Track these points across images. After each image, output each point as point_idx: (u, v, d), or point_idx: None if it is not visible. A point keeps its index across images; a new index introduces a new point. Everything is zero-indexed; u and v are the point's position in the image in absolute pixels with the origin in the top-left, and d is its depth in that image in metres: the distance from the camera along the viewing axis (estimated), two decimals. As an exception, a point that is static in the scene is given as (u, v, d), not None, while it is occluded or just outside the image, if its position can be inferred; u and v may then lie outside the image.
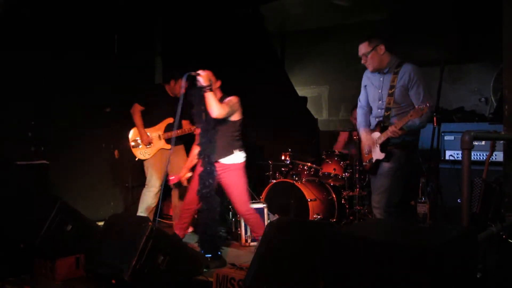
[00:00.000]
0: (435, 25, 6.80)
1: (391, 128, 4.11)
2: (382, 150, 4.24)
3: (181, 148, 6.03)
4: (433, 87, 4.23)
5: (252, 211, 4.83)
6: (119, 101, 6.19)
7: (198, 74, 4.46)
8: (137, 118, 5.84)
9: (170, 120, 5.84)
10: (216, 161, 4.62)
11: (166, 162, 5.92)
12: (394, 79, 4.24)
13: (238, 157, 4.68)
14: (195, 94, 4.56)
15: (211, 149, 4.54)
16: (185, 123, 5.90)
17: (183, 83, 5.75)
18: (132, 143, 5.87)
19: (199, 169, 4.65)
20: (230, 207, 5.68)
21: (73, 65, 6.04)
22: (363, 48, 4.32)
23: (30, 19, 5.62)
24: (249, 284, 3.22)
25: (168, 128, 5.84)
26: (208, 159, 4.54)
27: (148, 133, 5.83)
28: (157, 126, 5.88)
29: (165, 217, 6.57)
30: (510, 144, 3.81)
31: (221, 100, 4.58)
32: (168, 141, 5.85)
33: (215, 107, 4.41)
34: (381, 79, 4.36)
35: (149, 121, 5.88)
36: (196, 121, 4.61)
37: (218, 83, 4.64)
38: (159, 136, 5.85)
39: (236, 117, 4.62)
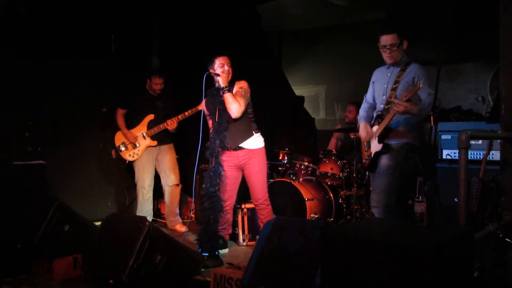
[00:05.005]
0: (433, 25, 6.80)
1: (395, 101, 4.02)
2: (379, 141, 4.25)
3: (169, 147, 6.05)
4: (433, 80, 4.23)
5: (268, 202, 4.83)
6: (116, 101, 6.18)
7: (218, 75, 4.50)
8: (120, 121, 5.99)
9: (151, 116, 5.92)
10: (241, 148, 4.65)
11: (154, 160, 5.97)
12: (401, 75, 4.26)
13: (259, 141, 4.73)
14: (212, 93, 4.60)
15: (222, 146, 4.58)
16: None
17: (158, 79, 5.85)
18: (119, 147, 5.93)
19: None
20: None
21: (70, 64, 6.03)
22: (391, 39, 4.25)
23: (26, 18, 5.61)
24: (247, 284, 3.23)
25: (151, 125, 5.88)
26: (216, 159, 4.55)
27: (131, 133, 5.95)
28: (139, 126, 5.94)
29: (163, 216, 6.57)
30: (507, 143, 3.81)
31: (231, 82, 4.63)
32: (153, 137, 5.89)
33: (235, 107, 4.47)
34: (389, 74, 4.38)
35: (131, 122, 5.96)
36: (211, 121, 4.64)
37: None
38: (143, 135, 5.88)
39: (249, 99, 4.67)
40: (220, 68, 4.58)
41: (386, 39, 4.27)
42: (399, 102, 3.98)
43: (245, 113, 4.60)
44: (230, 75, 4.64)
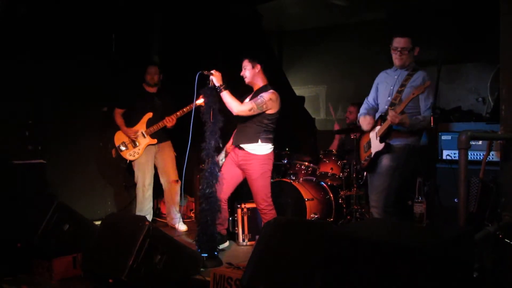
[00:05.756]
0: (433, 25, 6.80)
1: (390, 113, 4.12)
2: (381, 141, 4.28)
3: (167, 144, 6.04)
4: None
5: (272, 207, 4.83)
6: (114, 101, 6.17)
7: (211, 74, 4.49)
8: (118, 120, 5.96)
9: (149, 115, 5.91)
10: (241, 148, 4.69)
11: (153, 158, 5.96)
12: (408, 79, 4.31)
13: (263, 148, 4.72)
14: (206, 93, 4.59)
15: (215, 149, 4.59)
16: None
17: (151, 69, 5.83)
18: (119, 147, 5.91)
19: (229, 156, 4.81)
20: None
21: (70, 64, 6.03)
22: (404, 43, 4.33)
23: (27, 17, 5.61)
24: (246, 284, 3.22)
25: (150, 123, 5.88)
26: (212, 160, 4.55)
27: (132, 129, 5.92)
28: (138, 124, 5.92)
29: (162, 216, 6.58)
30: (507, 144, 3.81)
31: (263, 89, 4.69)
32: (153, 135, 5.88)
33: (234, 105, 4.52)
34: (395, 76, 4.43)
35: (130, 121, 5.93)
36: (205, 121, 4.62)
37: (258, 67, 4.78)
38: (143, 133, 5.87)
39: (270, 111, 4.67)
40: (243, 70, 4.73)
41: (399, 41, 4.34)
42: (394, 115, 4.07)
43: (257, 120, 4.65)
44: (251, 78, 4.75)
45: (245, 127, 4.70)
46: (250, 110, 4.57)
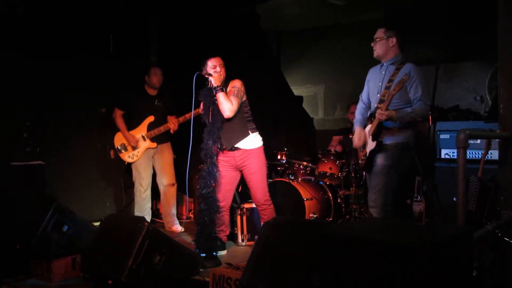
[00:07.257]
0: (431, 24, 6.81)
1: (378, 111, 4.19)
2: (373, 139, 4.30)
3: (167, 146, 6.03)
4: (429, 86, 4.26)
5: (270, 202, 4.81)
6: (114, 101, 6.17)
7: (210, 75, 4.48)
8: (120, 122, 5.91)
9: (151, 118, 5.88)
10: (237, 148, 4.64)
11: (151, 159, 5.94)
12: (395, 74, 4.32)
13: (256, 140, 4.70)
14: (204, 94, 4.56)
15: (216, 146, 4.56)
16: (170, 118, 5.90)
17: (157, 70, 5.83)
18: (118, 148, 5.89)
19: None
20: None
21: (68, 65, 6.02)
22: (377, 33, 4.45)
23: (25, 18, 5.60)
24: (246, 284, 3.22)
25: (151, 127, 5.86)
26: (211, 160, 4.54)
27: (133, 136, 5.89)
28: (139, 127, 5.90)
29: (161, 216, 6.57)
30: (505, 143, 3.81)
31: (228, 81, 4.62)
32: (153, 139, 5.86)
33: (227, 108, 4.46)
34: (383, 72, 4.44)
35: (131, 124, 5.91)
36: (204, 122, 4.61)
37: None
38: (143, 137, 5.86)
39: (244, 97, 4.65)
40: (212, 69, 4.58)
41: (376, 32, 4.47)
42: (380, 112, 4.14)
43: (239, 112, 4.59)
44: (223, 76, 4.62)
45: (230, 125, 4.60)
46: (237, 105, 4.54)
